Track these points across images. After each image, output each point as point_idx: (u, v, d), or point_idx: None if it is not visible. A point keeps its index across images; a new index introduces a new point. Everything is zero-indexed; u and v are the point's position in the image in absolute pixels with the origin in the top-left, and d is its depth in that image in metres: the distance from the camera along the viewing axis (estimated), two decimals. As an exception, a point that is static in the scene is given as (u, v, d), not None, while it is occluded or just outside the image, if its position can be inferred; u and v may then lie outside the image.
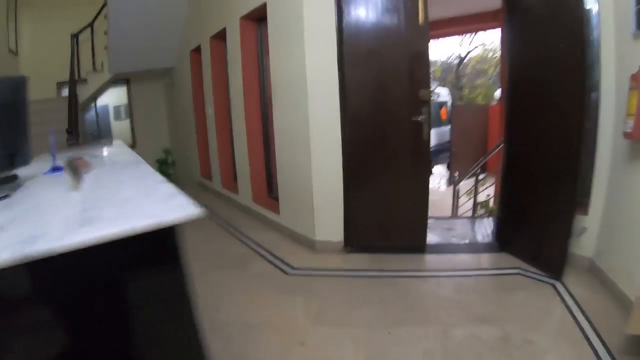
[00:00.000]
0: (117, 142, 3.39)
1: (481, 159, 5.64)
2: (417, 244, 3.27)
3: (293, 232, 3.78)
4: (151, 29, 6.35)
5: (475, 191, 5.06)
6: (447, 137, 9.30)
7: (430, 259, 3.22)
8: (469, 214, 5.31)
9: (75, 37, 6.86)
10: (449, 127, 9.24)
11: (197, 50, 5.94)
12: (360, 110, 3.14)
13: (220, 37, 4.96)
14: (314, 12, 3.12)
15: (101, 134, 8.98)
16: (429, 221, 4.05)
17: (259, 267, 3.30)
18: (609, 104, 2.52)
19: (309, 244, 3.52)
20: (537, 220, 2.87)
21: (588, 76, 2.43)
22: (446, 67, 16.11)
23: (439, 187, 10.12)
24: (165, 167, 8.60)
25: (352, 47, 3.06)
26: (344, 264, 3.22)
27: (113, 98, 9.09)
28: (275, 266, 3.29)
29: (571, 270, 2.71)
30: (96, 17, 6.88)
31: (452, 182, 6.24)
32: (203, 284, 2.93)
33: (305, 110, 3.25)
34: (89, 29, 7.01)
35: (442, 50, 15.78)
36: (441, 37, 8.99)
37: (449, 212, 6.49)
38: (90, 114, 8.98)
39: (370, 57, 3.04)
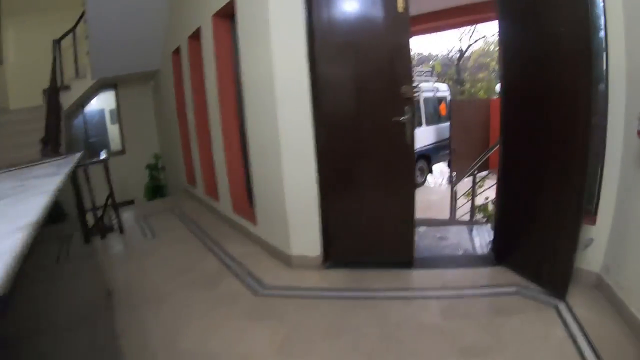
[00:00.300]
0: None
1: (479, 158, 5.28)
2: (403, 258, 2.93)
3: (270, 245, 3.48)
4: (133, 32, 6.14)
5: (472, 193, 4.69)
6: (446, 134, 8.93)
7: (418, 275, 2.87)
8: (468, 216, 4.96)
9: (57, 43, 6.66)
10: (448, 123, 8.88)
11: (178, 51, 5.66)
12: (335, 112, 2.81)
13: (197, 37, 4.66)
14: (280, 2, 2.80)
15: (90, 142, 8.77)
16: (421, 229, 3.75)
17: (230, 286, 3.03)
18: (619, 98, 2.15)
19: (285, 259, 3.21)
20: (538, 230, 2.52)
21: (594, 65, 2.06)
22: (447, 61, 15.76)
23: (440, 185, 9.80)
24: (156, 172, 8.38)
25: (324, 42, 2.72)
26: (320, 282, 2.90)
27: (109, 102, 8.85)
28: (247, 285, 3.00)
29: (576, 287, 2.36)
30: (78, 22, 6.66)
31: (451, 181, 5.86)
32: (169, 306, 2.80)
33: (274, 114, 2.94)
34: (71, 35, 6.78)
35: (442, 44, 15.43)
36: (436, 30, 8.62)
37: (447, 213, 6.17)
38: (87, 120, 8.80)
39: (345, 52, 2.70)
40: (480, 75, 14.78)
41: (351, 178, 2.89)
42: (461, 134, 8.64)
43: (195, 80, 4.98)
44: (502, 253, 2.85)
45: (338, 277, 2.94)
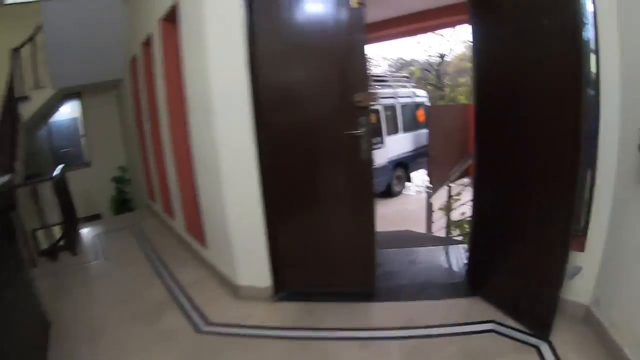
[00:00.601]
0: None
1: (456, 168, 5.05)
2: (364, 290, 2.58)
3: (219, 272, 3.12)
4: (93, 40, 5.91)
5: (448, 207, 4.37)
6: (425, 141, 8.74)
7: (380, 310, 2.51)
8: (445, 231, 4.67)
9: (15, 52, 6.30)
10: (426, 130, 8.71)
11: (134, 60, 5.32)
12: (280, 125, 2.46)
13: (148, 44, 4.34)
14: (218, 5, 2.49)
15: (62, 152, 8.38)
16: (391, 251, 3.47)
17: (171, 321, 2.70)
18: (612, 103, 1.84)
19: (234, 289, 2.86)
20: (518, 255, 2.20)
21: (584, 63, 1.75)
22: (427, 66, 15.63)
23: (419, 193, 9.58)
24: (122, 185, 8.00)
25: (266, 46, 2.35)
26: (268, 318, 2.56)
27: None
28: (190, 320, 2.67)
29: (561, 322, 2.03)
30: (38, 30, 6.28)
31: (427, 192, 5.59)
32: (106, 343, 2.51)
33: (212, 127, 2.59)
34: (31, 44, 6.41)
35: (422, 48, 15.32)
36: (409, 34, 8.44)
37: (424, 226, 5.92)
38: (59, 131, 8.38)
39: (291, 56, 2.36)
40: (461, 80, 14.67)
41: (302, 199, 2.57)
42: (439, 141, 8.45)
43: (148, 90, 4.64)
44: (477, 281, 2.51)
45: (289, 311, 2.60)
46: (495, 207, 2.34)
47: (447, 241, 3.96)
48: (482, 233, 2.48)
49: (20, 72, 6.36)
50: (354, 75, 2.25)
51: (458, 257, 3.12)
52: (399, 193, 9.04)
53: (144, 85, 4.79)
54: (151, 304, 2.99)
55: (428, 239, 4.54)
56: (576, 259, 2.06)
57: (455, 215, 4.28)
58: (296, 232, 2.63)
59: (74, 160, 8.29)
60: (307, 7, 2.30)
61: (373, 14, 7.45)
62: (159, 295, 3.12)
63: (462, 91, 13.73)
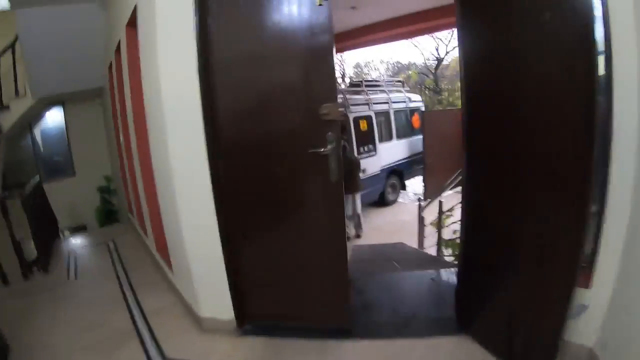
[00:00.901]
0: None
1: (451, 177, 4.76)
2: (338, 324, 2.27)
3: (184, 299, 2.87)
4: (72, 47, 5.77)
5: (438, 225, 4.04)
6: (420, 147, 8.46)
7: (354, 349, 2.20)
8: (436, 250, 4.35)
9: (-5, 60, 6.12)
10: (421, 136, 8.43)
11: (111, 67, 5.07)
12: (237, 144, 2.18)
13: (119, 51, 4.08)
14: (168, 6, 2.23)
15: (53, 161, 8.17)
16: (375, 275, 3.19)
17: (127, 356, 2.44)
18: (629, 111, 1.54)
19: (197, 321, 2.60)
20: (513, 288, 1.90)
21: (596, 64, 1.46)
22: (424, 70, 15.36)
23: (415, 202, 9.28)
24: (108, 196, 7.75)
25: (221, 53, 2.07)
26: (230, 356, 2.30)
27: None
28: (147, 355, 2.41)
29: None
30: (17, 38, 6.08)
31: (421, 203, 5.28)
32: None
33: (165, 142, 2.32)
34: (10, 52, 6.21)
35: (420, 52, 15.07)
36: (402, 37, 8.23)
37: (417, 239, 5.62)
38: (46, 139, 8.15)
39: (248, 63, 2.07)
40: (459, 83, 14.34)
41: (264, 227, 2.28)
42: (435, 148, 8.19)
43: (120, 100, 4.39)
44: (466, 315, 2.20)
45: (253, 349, 2.29)
46: (488, 228, 2.04)
47: (437, 263, 3.66)
48: (472, 259, 2.18)
49: (-1, 81, 6.18)
50: (320, 84, 1.96)
51: (448, 283, 2.82)
52: (393, 202, 8.74)
53: (117, 94, 4.54)
54: (112, 333, 2.75)
55: (419, 258, 4.23)
56: (581, 296, 1.77)
57: (448, 233, 3.94)
58: (260, 263, 2.35)
59: (63, 169, 8.08)
60: (266, 8, 2.01)
61: (367, 16, 7.25)
62: (122, 323, 2.87)
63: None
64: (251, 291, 2.41)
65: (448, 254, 3.85)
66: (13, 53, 6.14)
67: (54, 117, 8.10)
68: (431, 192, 8.38)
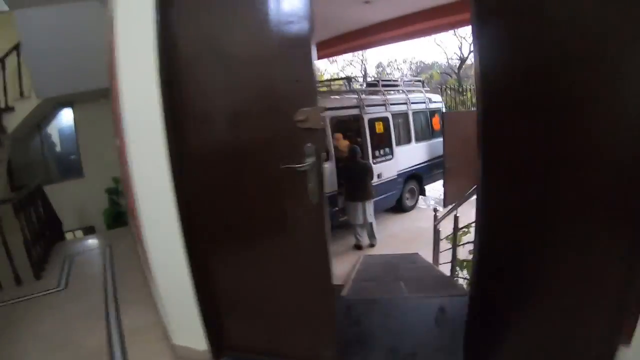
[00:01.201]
0: None
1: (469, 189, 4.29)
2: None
3: (163, 321, 2.59)
4: (75, 47, 5.63)
5: (454, 242, 3.59)
6: (441, 151, 7.98)
7: None
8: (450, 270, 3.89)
9: (0, 61, 6.04)
10: (441, 139, 7.96)
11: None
12: (206, 155, 1.86)
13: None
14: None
15: (68, 160, 8.15)
16: (378, 302, 2.81)
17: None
18: None
19: (172, 347, 2.32)
20: (536, 336, 1.54)
21: None
22: (447, 69, 14.75)
23: (434, 207, 8.80)
24: (116, 197, 7.62)
25: (186, 50, 1.78)
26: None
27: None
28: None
29: None
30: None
31: (436, 213, 4.85)
32: None
33: (130, 155, 2.05)
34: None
35: (442, 51, 14.49)
36: (420, 35, 7.77)
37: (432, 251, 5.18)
38: (62, 140, 8.14)
39: (215, 61, 1.74)
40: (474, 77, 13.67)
41: (237, 251, 1.97)
42: (456, 151, 7.71)
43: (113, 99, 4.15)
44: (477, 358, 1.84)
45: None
46: (507, 257, 1.66)
47: (449, 287, 3.23)
48: (486, 288, 1.81)
49: (4, 82, 6.11)
50: (296, 83, 1.61)
51: (459, 315, 2.41)
52: (411, 208, 8.28)
53: (111, 94, 4.31)
54: (85, 353, 2.57)
55: (431, 276, 3.82)
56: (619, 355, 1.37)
57: (465, 251, 3.48)
58: (237, 292, 2.04)
59: (75, 169, 8.04)
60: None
61: (381, 12, 6.85)
62: (97, 343, 2.67)
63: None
64: (229, 322, 2.10)
65: (463, 277, 3.41)
66: (18, 55, 6.08)
67: (68, 117, 8.06)
68: (451, 198, 7.91)
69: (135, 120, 1.94)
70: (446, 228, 4.34)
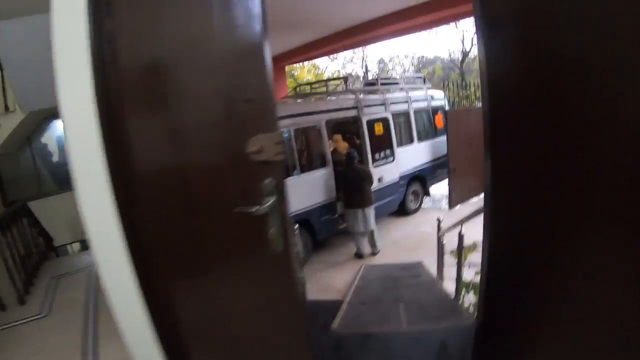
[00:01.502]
0: None
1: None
2: None
3: None
4: None
5: (459, 260, 3.21)
6: (445, 150, 7.63)
7: None
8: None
9: (-16, 75, 5.86)
10: (445, 137, 7.59)
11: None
12: (156, 191, 1.51)
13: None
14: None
15: (57, 177, 7.93)
16: (373, 337, 2.50)
17: None
18: None
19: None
20: None
21: None
22: (450, 64, 14.31)
23: (440, 210, 8.45)
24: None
25: (127, 61, 1.48)
26: None
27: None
28: None
29: None
30: (4, 52, 5.80)
31: (440, 223, 4.51)
32: None
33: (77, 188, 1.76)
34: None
35: (444, 45, 14.08)
36: (421, 28, 7.43)
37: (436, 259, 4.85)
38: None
39: (158, 75, 1.44)
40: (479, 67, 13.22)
41: (202, 286, 1.68)
42: (461, 150, 7.36)
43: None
44: None
45: None
46: (517, 278, 1.34)
47: (453, 313, 2.89)
48: (493, 323, 1.49)
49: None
50: (247, 105, 1.27)
51: (463, 351, 2.10)
52: (415, 210, 7.93)
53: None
54: None
55: (433, 296, 3.49)
56: None
57: (471, 272, 3.12)
58: (199, 331, 1.73)
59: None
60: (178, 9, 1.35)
61: (379, 6, 6.54)
62: None
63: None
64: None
65: (469, 302, 3.06)
66: (1, 68, 5.85)
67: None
68: (457, 200, 7.57)
69: (80, 154, 1.64)
70: (451, 240, 4.01)
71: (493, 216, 1.53)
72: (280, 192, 1.28)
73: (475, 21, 1.40)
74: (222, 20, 1.26)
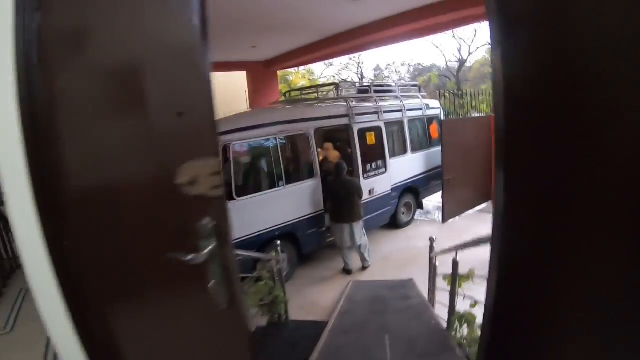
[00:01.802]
0: None
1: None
2: None
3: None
4: None
5: (452, 289, 2.87)
6: (439, 161, 7.34)
7: None
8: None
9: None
10: (439, 148, 7.31)
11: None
12: (87, 224, 1.22)
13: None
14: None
15: None
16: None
17: None
18: None
19: None
20: None
21: None
22: (446, 72, 14.11)
23: (433, 223, 8.17)
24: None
25: (58, 67, 1.20)
26: None
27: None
28: None
29: None
30: None
31: (433, 245, 4.20)
32: None
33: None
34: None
35: (440, 53, 13.86)
36: (418, 35, 7.18)
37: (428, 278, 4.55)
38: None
39: (87, 84, 1.16)
40: (483, 86, 13.09)
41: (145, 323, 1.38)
42: (457, 162, 7.08)
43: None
44: None
45: None
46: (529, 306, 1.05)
47: (444, 352, 2.56)
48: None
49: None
50: (179, 120, 0.98)
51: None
52: (407, 223, 7.63)
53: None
54: None
55: (423, 327, 3.18)
56: None
57: (465, 302, 2.80)
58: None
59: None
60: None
61: (372, 10, 6.29)
62: None
63: (485, 99, 12.20)
64: None
65: (461, 336, 2.74)
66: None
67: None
68: (451, 213, 7.29)
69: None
70: (444, 260, 3.70)
71: (504, 243, 1.23)
72: (222, 237, 0.97)
73: (490, 21, 1.13)
74: (147, 10, 0.95)
